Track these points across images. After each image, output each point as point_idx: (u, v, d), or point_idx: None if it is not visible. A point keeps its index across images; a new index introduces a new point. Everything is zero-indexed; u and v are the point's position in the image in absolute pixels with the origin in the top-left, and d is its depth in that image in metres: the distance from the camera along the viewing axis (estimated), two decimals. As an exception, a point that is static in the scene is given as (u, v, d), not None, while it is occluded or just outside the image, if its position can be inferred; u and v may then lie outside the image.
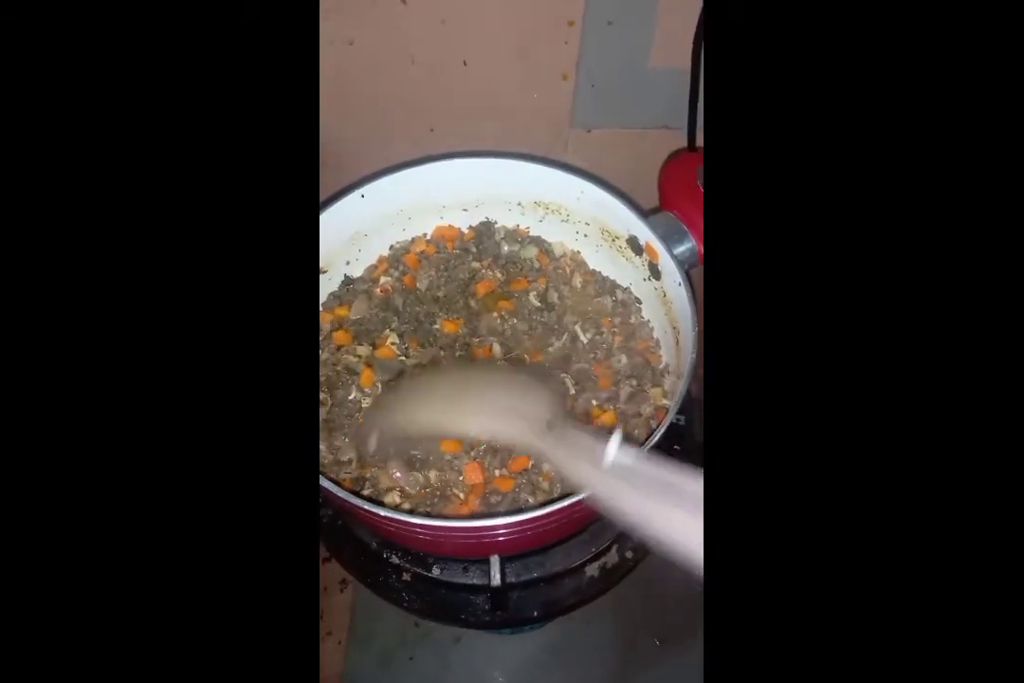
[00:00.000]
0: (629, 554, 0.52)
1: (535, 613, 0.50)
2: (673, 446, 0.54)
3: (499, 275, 0.51)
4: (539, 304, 0.48)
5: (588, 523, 0.50)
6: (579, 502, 0.34)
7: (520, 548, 0.47)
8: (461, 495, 0.42)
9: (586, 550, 0.51)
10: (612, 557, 0.51)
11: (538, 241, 0.52)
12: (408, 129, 0.57)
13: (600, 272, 0.52)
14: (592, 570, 0.51)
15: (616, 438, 0.29)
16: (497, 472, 0.42)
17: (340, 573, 0.78)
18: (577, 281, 0.50)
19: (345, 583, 0.79)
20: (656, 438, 0.37)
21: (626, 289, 0.50)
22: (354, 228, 0.48)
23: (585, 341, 0.47)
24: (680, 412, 0.52)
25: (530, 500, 0.41)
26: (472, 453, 0.43)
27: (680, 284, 0.42)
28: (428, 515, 0.39)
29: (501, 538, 0.40)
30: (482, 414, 0.35)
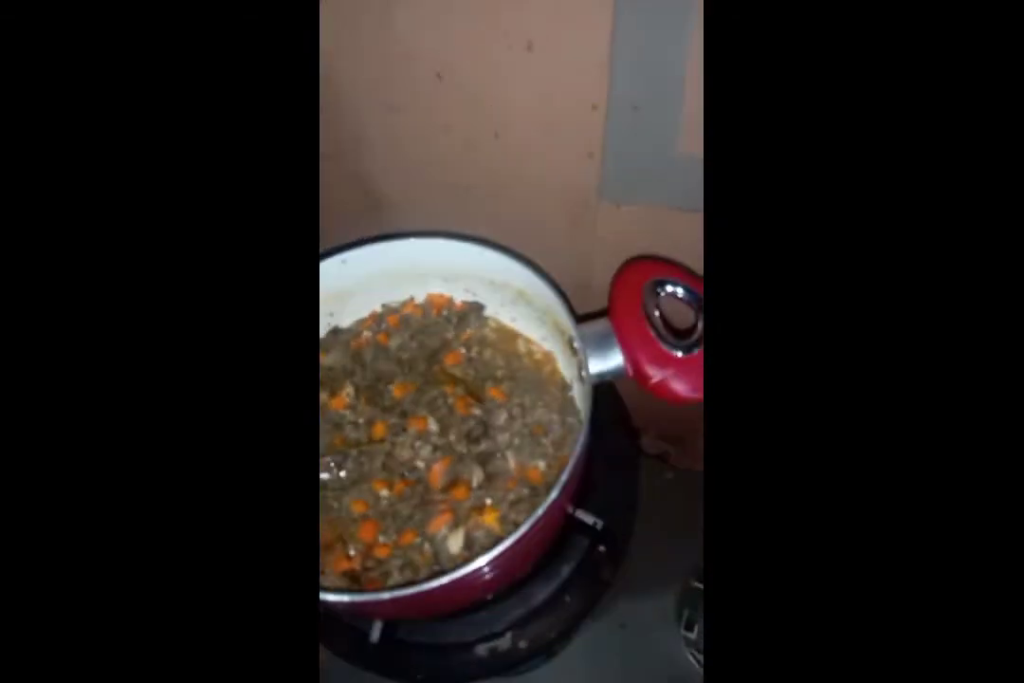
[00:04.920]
0: (523, 644, 0.51)
1: (419, 676, 0.51)
2: (598, 547, 0.53)
3: (472, 354, 0.54)
4: (479, 413, 0.50)
5: (479, 604, 0.51)
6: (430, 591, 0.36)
7: (399, 617, 0.49)
8: (352, 552, 0.45)
9: (478, 630, 0.51)
10: (505, 642, 0.51)
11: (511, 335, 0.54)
12: (447, 187, 0.62)
13: (564, 377, 0.53)
14: (482, 651, 0.51)
15: None
16: (383, 538, 0.45)
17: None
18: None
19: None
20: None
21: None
22: (335, 287, 0.53)
23: (511, 464, 0.47)
24: (600, 515, 0.51)
25: (395, 574, 0.43)
26: (372, 512, 0.46)
27: (588, 396, 0.42)
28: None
29: (388, 609, 0.43)
30: None
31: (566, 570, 0.54)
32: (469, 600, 0.47)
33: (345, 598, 0.36)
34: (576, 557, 0.54)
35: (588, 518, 0.52)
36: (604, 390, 0.61)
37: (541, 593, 0.53)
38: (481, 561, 0.36)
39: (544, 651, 0.53)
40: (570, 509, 0.52)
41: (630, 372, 0.44)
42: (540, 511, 0.37)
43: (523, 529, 0.37)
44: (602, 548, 0.54)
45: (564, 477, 0.38)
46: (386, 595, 0.35)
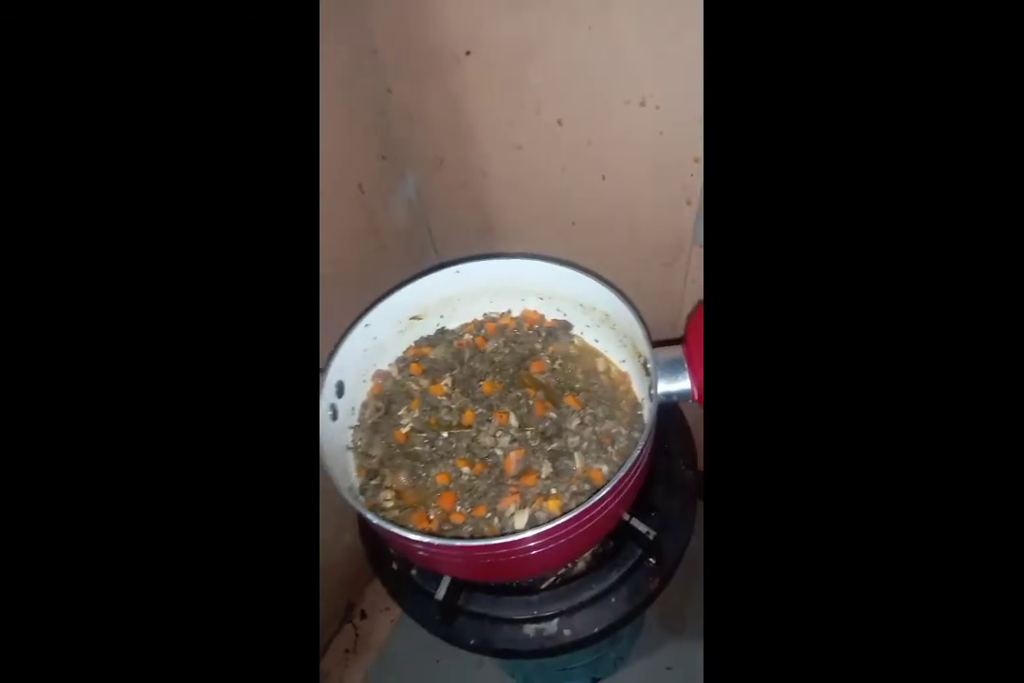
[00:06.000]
0: (568, 632, 0.56)
1: (472, 641, 0.57)
2: (648, 559, 0.57)
3: (555, 365, 0.61)
4: (555, 416, 0.56)
5: (533, 588, 0.56)
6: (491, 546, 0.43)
7: (463, 575, 0.55)
8: (431, 516, 0.53)
9: (529, 611, 0.57)
10: (551, 627, 0.57)
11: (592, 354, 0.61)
12: (556, 219, 0.70)
13: (636, 397, 0.58)
14: (530, 630, 0.57)
15: None
16: (459, 507, 0.52)
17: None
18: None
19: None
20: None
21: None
22: (446, 293, 0.62)
23: (577, 464, 0.53)
24: (652, 525, 0.56)
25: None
26: (453, 486, 0.54)
27: (653, 412, 0.47)
28: (385, 519, 0.49)
29: (457, 560, 0.50)
30: None
31: (615, 575, 0.58)
32: (524, 570, 0.53)
33: (428, 540, 0.43)
34: (627, 565, 0.59)
35: (642, 527, 0.56)
36: (674, 421, 0.66)
37: (590, 591, 0.57)
38: (537, 530, 0.42)
39: (585, 643, 0.57)
40: (626, 516, 0.57)
41: (695, 395, 0.49)
42: (595, 498, 0.43)
43: (577, 511, 0.43)
44: (652, 560, 0.58)
45: (621, 473, 0.44)
46: (457, 543, 0.42)
